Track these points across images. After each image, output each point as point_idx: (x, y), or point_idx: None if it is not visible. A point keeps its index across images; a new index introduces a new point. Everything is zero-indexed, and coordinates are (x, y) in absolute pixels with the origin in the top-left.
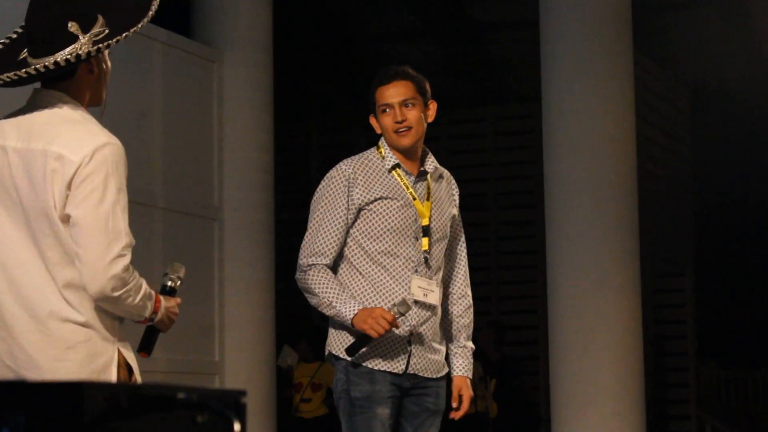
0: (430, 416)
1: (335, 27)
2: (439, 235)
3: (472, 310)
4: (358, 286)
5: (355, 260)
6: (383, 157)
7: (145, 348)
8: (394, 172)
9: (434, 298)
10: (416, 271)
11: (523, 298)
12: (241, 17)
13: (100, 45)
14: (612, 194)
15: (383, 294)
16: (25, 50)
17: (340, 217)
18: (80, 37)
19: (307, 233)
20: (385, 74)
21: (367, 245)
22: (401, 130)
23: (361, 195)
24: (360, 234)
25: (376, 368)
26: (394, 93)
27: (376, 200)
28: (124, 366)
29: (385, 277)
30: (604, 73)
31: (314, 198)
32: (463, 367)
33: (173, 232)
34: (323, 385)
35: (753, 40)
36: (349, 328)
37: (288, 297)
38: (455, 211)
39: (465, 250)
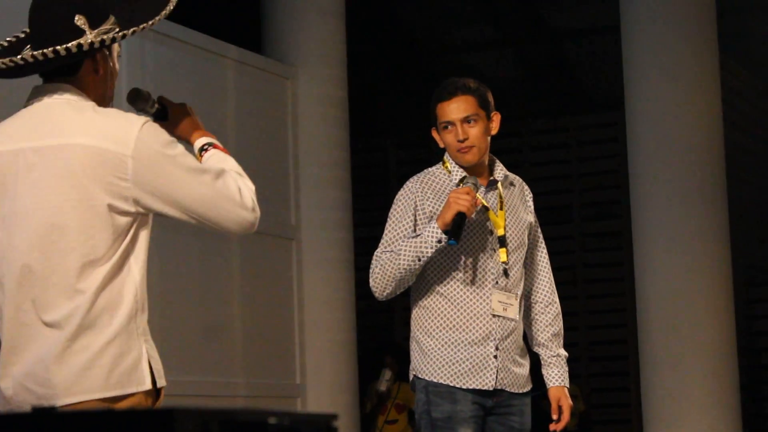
0: None
1: (410, 39)
2: (517, 244)
3: (561, 317)
4: (436, 304)
5: (432, 278)
6: (449, 172)
7: None
8: (462, 184)
9: (513, 312)
10: (496, 283)
11: (611, 311)
12: (313, 32)
13: (105, 37)
14: (701, 202)
15: (463, 310)
16: (28, 46)
17: (408, 227)
18: (87, 31)
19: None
20: (446, 89)
21: (444, 262)
22: (463, 149)
23: (430, 207)
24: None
25: (460, 386)
26: (455, 109)
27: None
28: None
29: (464, 293)
30: (688, 77)
31: (388, 219)
32: (558, 376)
33: (250, 253)
34: (406, 405)
35: None
36: (432, 351)
37: (370, 316)
38: (531, 217)
39: (546, 257)
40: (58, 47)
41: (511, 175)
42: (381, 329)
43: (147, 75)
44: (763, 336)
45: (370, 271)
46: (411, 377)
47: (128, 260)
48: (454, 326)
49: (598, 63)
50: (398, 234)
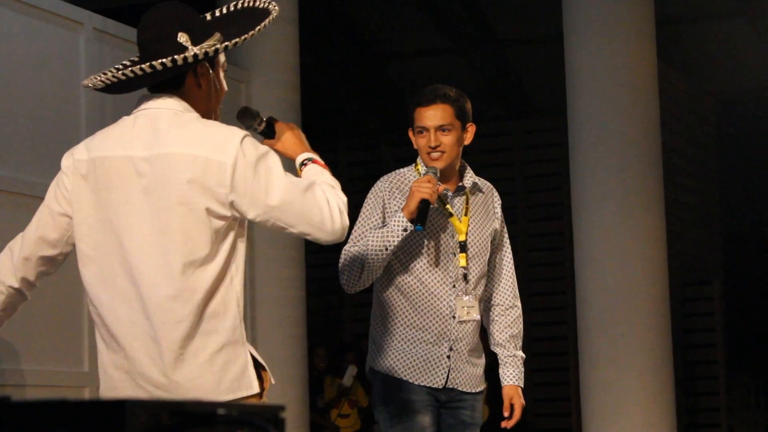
0: (466, 429)
1: (362, 46)
2: (477, 250)
3: (521, 320)
4: (396, 302)
5: (394, 277)
6: (420, 174)
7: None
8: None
9: (475, 313)
10: (454, 286)
11: (552, 309)
12: (268, 38)
13: (197, 51)
14: (639, 204)
15: (421, 309)
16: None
17: (375, 225)
18: (189, 48)
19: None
20: (426, 95)
21: (406, 260)
22: (433, 154)
23: (399, 205)
24: (399, 250)
25: (414, 382)
26: (431, 116)
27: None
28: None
29: (422, 293)
30: (628, 84)
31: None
32: (513, 376)
33: None
34: (357, 402)
35: None
36: (388, 347)
37: (320, 313)
38: (497, 223)
39: (511, 261)
40: (155, 62)
41: (481, 182)
42: (331, 326)
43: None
44: (696, 333)
45: (339, 266)
46: (367, 368)
47: (230, 269)
48: (410, 325)
49: (541, 70)
50: (366, 230)
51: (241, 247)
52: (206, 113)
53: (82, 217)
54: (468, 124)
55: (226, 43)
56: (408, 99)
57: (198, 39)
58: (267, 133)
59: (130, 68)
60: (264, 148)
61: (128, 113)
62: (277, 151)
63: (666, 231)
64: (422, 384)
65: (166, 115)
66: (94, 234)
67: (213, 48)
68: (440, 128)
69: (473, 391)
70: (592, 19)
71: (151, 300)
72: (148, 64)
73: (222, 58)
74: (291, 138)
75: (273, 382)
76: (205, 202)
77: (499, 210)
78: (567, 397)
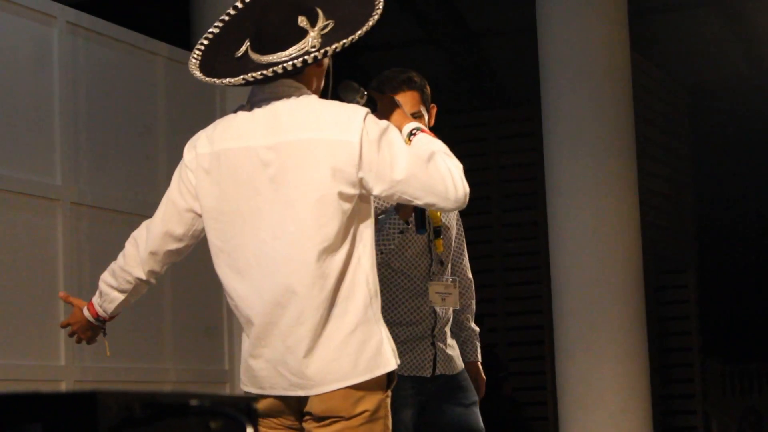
0: (467, 410)
1: None
2: (450, 234)
3: (473, 288)
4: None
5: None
6: None
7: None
8: None
9: (452, 300)
10: (429, 272)
11: (528, 298)
12: None
13: (328, 48)
14: (613, 194)
15: (402, 301)
16: (245, 45)
17: None
18: (309, 31)
19: None
20: (390, 83)
21: (386, 253)
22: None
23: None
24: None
25: (401, 373)
26: (403, 104)
27: (382, 210)
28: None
29: (402, 284)
30: (601, 75)
31: None
32: (472, 352)
33: None
34: None
35: (749, 41)
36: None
37: None
38: None
39: (462, 233)
40: (297, 61)
41: None
42: None
43: (79, 71)
44: (671, 321)
45: None
46: None
47: (357, 249)
48: (395, 322)
49: (515, 61)
50: None
51: (368, 225)
52: (317, 88)
53: (210, 211)
54: (431, 107)
55: (352, 37)
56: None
57: (312, 20)
58: (370, 107)
59: (272, 69)
60: (384, 123)
61: (102, 104)
62: None
63: (640, 220)
64: (409, 374)
65: (284, 100)
66: (224, 227)
67: (342, 44)
68: (412, 116)
69: (456, 372)
70: (565, 10)
71: (287, 289)
72: (290, 63)
73: None
74: (395, 111)
75: (398, 362)
76: (336, 186)
77: None
78: (543, 385)
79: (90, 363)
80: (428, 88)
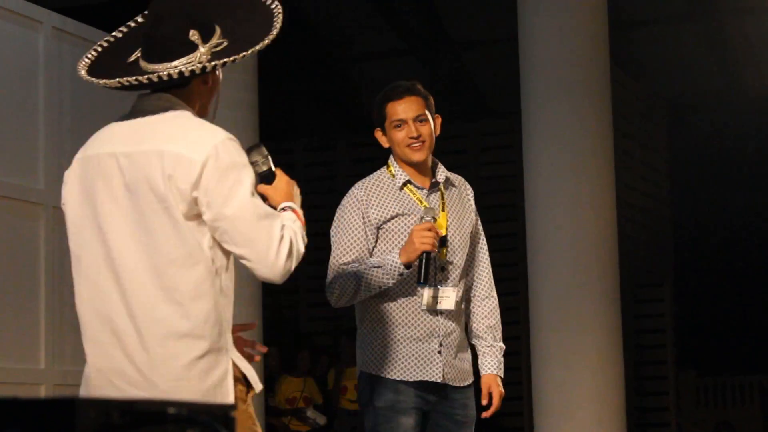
0: (460, 428)
1: (319, 47)
2: (458, 244)
3: (498, 311)
4: (378, 302)
5: None
6: (393, 176)
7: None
8: (405, 188)
9: (449, 303)
10: (434, 281)
11: (505, 309)
12: None
13: (217, 62)
14: (591, 207)
15: (404, 307)
16: (136, 53)
17: (359, 234)
18: (200, 46)
19: (329, 261)
20: (395, 90)
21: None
22: (415, 144)
23: (376, 214)
24: (381, 253)
25: (405, 380)
26: (407, 109)
27: (392, 218)
28: (242, 379)
29: (407, 292)
30: (581, 87)
31: (332, 227)
32: (491, 365)
33: None
34: (312, 399)
35: (727, 56)
36: (376, 348)
37: (276, 311)
38: (473, 215)
39: (487, 253)
40: (178, 69)
41: (452, 176)
42: (287, 324)
43: (64, 77)
44: (647, 334)
45: (328, 284)
46: (358, 371)
47: (215, 273)
48: (396, 323)
49: (496, 72)
50: (350, 247)
51: (225, 248)
52: (205, 106)
53: (71, 216)
54: (435, 116)
55: (235, 57)
56: (365, 100)
57: (206, 36)
58: (266, 177)
59: (147, 76)
60: (243, 159)
61: (86, 109)
62: (266, 196)
63: (617, 233)
64: (417, 379)
65: (158, 113)
66: (80, 232)
67: (222, 62)
68: (417, 119)
69: (462, 385)
70: (546, 22)
71: (133, 298)
72: (166, 73)
73: None
74: (285, 188)
75: (259, 388)
76: (177, 201)
77: (473, 202)
78: (519, 396)
79: (70, 367)
80: (432, 99)
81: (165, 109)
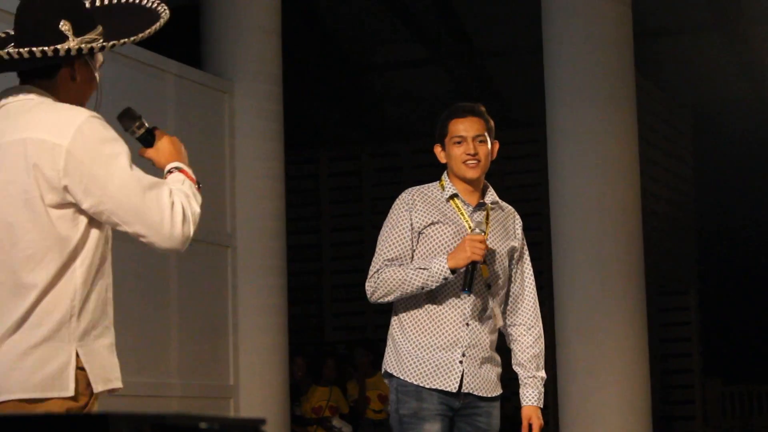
0: None
1: (344, 57)
2: (497, 263)
3: (542, 340)
4: (414, 308)
5: None
6: (443, 188)
7: None
8: (452, 201)
9: (491, 320)
10: (472, 294)
11: None
12: (251, 49)
13: (83, 45)
14: (616, 215)
15: (436, 316)
16: (11, 45)
17: (405, 232)
18: (70, 38)
19: (374, 256)
20: (461, 108)
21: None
22: (471, 162)
23: (419, 219)
24: (418, 257)
25: (425, 386)
26: (468, 127)
27: (431, 224)
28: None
29: (440, 301)
30: (606, 97)
31: (381, 229)
32: (532, 396)
33: (188, 259)
34: (339, 408)
35: (751, 63)
36: (403, 350)
37: (302, 320)
38: (516, 243)
39: (532, 283)
40: (35, 48)
41: (502, 202)
42: (312, 333)
43: None
44: (673, 343)
45: (369, 276)
46: (383, 370)
47: (73, 262)
48: (425, 330)
49: (520, 81)
50: (395, 244)
51: (93, 235)
52: (71, 103)
53: None
54: (494, 141)
55: (113, 42)
56: (389, 109)
57: (80, 29)
58: (145, 140)
59: (6, 50)
60: (112, 133)
61: (109, 120)
62: (151, 160)
63: (643, 240)
64: (435, 387)
65: (21, 104)
66: None
67: (98, 45)
68: (477, 138)
69: (489, 395)
70: (571, 31)
71: None
72: (27, 49)
73: (101, 56)
74: (168, 147)
75: (111, 388)
76: (40, 190)
77: (519, 231)
78: (545, 405)
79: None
80: (493, 123)
81: (24, 97)
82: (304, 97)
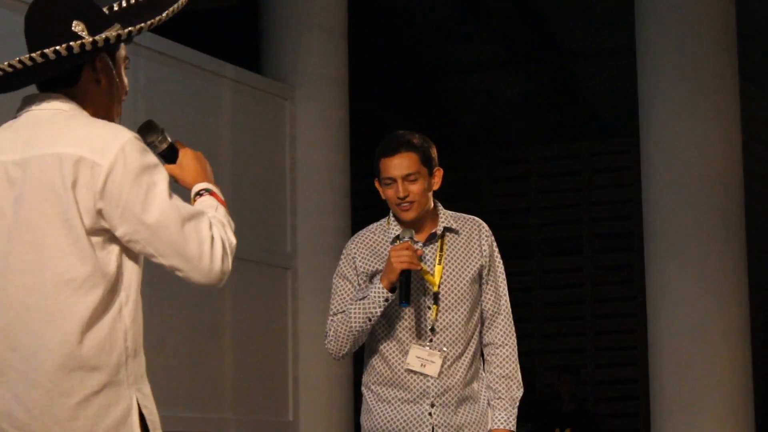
0: None
1: (414, 59)
2: (453, 300)
3: (515, 357)
4: (375, 360)
5: (373, 335)
6: (390, 227)
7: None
8: (397, 242)
9: (433, 369)
10: (420, 337)
11: (621, 349)
12: (313, 51)
13: (98, 38)
14: (718, 234)
15: (396, 367)
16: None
17: (348, 285)
18: (85, 38)
19: None
20: (389, 145)
21: (382, 319)
22: (403, 205)
23: (363, 267)
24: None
25: None
26: (397, 165)
27: (377, 273)
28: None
29: (396, 351)
30: (706, 103)
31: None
32: (501, 419)
33: (243, 282)
34: None
35: None
36: (371, 405)
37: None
38: (482, 261)
39: (506, 296)
40: (47, 50)
41: (459, 222)
42: None
43: (139, 92)
44: None
45: (325, 334)
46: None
47: (118, 296)
48: (388, 383)
49: (612, 87)
50: (344, 297)
51: (132, 268)
52: (105, 113)
53: None
54: (435, 169)
55: (130, 29)
56: (463, 116)
57: (95, 29)
58: (168, 156)
59: (8, 62)
60: (153, 159)
61: (163, 125)
62: (174, 177)
63: (747, 266)
64: None
65: (47, 115)
66: None
67: (114, 35)
68: (407, 177)
69: None
70: (667, 33)
71: (18, 326)
72: (39, 53)
73: (123, 52)
74: (194, 164)
75: None
76: (79, 212)
77: (486, 246)
78: None
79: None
80: (434, 150)
81: (55, 109)
82: (371, 103)
